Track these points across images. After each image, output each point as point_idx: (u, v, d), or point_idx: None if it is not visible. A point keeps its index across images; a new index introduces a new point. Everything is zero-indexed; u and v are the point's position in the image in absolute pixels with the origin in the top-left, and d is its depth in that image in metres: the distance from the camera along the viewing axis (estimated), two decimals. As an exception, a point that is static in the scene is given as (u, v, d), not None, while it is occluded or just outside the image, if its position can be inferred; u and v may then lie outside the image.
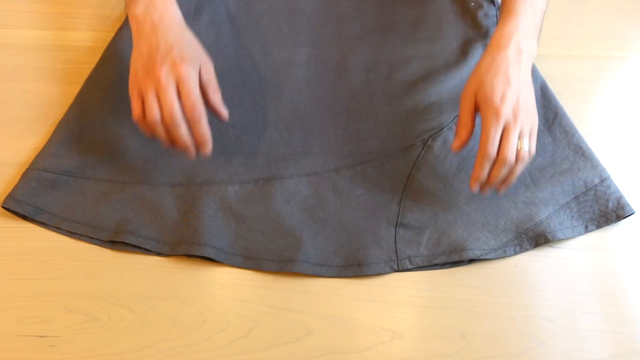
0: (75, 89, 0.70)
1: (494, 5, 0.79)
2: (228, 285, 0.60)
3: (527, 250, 0.62)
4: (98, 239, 0.61)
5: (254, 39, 0.76)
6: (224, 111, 0.61)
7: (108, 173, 0.64)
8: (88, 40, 0.76)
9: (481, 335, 0.57)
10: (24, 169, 0.64)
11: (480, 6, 0.79)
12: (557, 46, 0.79)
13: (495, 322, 0.58)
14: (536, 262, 0.62)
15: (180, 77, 0.57)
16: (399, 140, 0.68)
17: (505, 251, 0.62)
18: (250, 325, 0.57)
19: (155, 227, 0.61)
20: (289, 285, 0.60)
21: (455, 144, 0.60)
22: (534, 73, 0.72)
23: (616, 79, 0.76)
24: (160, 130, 0.58)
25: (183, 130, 0.57)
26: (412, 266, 0.61)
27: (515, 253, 0.62)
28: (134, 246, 0.61)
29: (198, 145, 0.59)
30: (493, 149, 0.57)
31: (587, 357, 0.56)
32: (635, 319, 0.59)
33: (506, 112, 0.57)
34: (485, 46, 0.75)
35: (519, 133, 0.57)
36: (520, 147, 0.57)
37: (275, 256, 0.60)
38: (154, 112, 0.57)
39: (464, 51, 0.75)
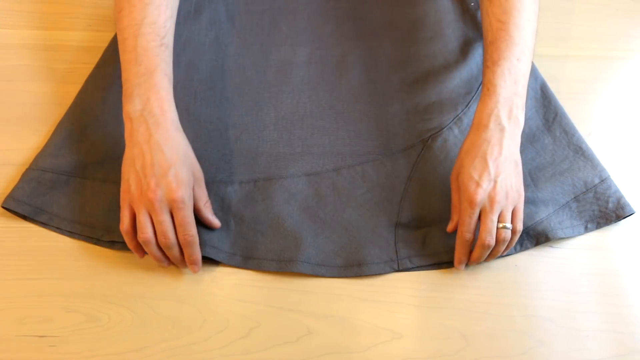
0: (75, 89, 0.70)
1: (494, 5, 0.79)
2: (228, 285, 0.60)
3: (527, 249, 0.62)
4: (98, 239, 0.61)
5: (254, 39, 0.76)
6: (216, 223, 0.61)
7: (108, 173, 0.64)
8: (88, 40, 0.76)
9: (481, 335, 0.57)
10: (24, 169, 0.64)
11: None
12: (557, 46, 0.79)
13: (495, 322, 0.58)
14: (536, 262, 0.62)
15: (175, 204, 0.56)
16: (399, 140, 0.68)
17: (515, 247, 0.62)
18: (250, 325, 0.57)
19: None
20: (289, 285, 0.60)
21: (450, 226, 0.61)
22: (534, 73, 0.72)
23: (616, 79, 0.76)
24: (151, 249, 0.57)
25: (175, 252, 0.57)
26: (412, 265, 0.61)
27: (516, 252, 0.62)
28: None
29: (188, 264, 0.59)
30: (468, 234, 0.58)
31: (587, 357, 0.56)
32: (635, 319, 0.59)
33: (480, 198, 0.57)
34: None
35: (497, 216, 0.57)
36: (504, 228, 0.57)
37: (275, 256, 0.60)
38: (147, 232, 0.56)
39: (464, 51, 0.75)
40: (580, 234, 0.63)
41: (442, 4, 0.80)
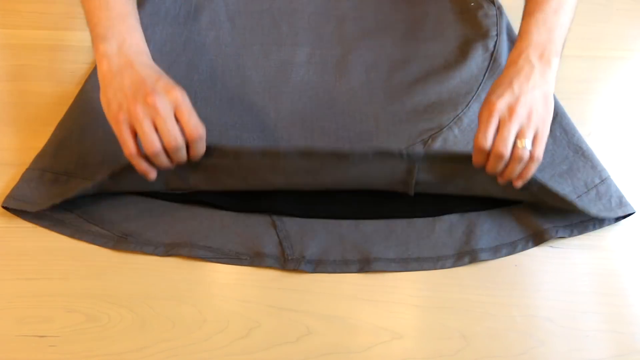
0: (75, 89, 0.70)
1: (494, 5, 0.79)
2: (228, 285, 0.60)
3: (527, 249, 0.62)
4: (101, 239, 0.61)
5: (254, 39, 0.76)
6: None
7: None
8: (88, 40, 0.75)
9: (481, 335, 0.57)
10: (24, 169, 0.64)
11: (480, 6, 0.79)
12: (557, 46, 0.79)
13: (495, 322, 0.58)
14: (536, 262, 0.62)
15: (177, 99, 0.55)
16: (399, 140, 0.68)
17: (515, 248, 0.62)
18: (250, 325, 0.57)
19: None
20: (289, 285, 0.60)
21: (474, 158, 0.59)
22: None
23: (616, 79, 0.76)
24: (161, 161, 0.56)
25: (183, 154, 0.56)
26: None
27: (523, 249, 0.62)
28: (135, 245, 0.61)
29: (192, 159, 0.58)
30: (484, 140, 0.56)
31: (587, 357, 0.56)
32: (635, 319, 0.59)
33: (500, 106, 0.56)
34: (485, 46, 0.75)
35: (517, 131, 0.56)
36: (521, 146, 0.56)
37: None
38: (156, 143, 0.54)
39: (464, 51, 0.75)
40: (580, 233, 0.63)
41: (442, 4, 0.80)
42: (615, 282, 0.61)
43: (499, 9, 0.79)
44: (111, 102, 0.55)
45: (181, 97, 0.55)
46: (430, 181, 0.61)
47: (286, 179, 0.61)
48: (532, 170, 0.58)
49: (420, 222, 0.63)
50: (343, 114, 0.70)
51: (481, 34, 0.76)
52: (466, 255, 0.61)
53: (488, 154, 0.56)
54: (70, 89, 0.70)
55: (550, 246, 0.63)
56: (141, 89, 0.54)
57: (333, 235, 0.62)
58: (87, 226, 0.61)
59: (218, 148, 0.58)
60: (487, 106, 0.57)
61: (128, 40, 0.58)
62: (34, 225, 0.62)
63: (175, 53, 0.73)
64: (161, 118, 0.54)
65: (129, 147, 0.55)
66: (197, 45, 0.74)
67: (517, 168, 0.57)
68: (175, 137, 0.54)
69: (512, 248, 0.62)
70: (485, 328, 0.58)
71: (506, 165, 0.57)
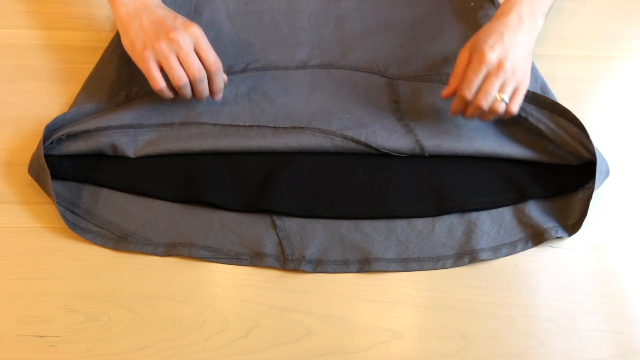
0: (75, 89, 0.70)
1: (494, 5, 0.79)
2: (228, 285, 0.60)
3: (527, 249, 0.62)
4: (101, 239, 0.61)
5: (254, 39, 0.76)
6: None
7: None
8: (88, 40, 0.76)
9: (481, 335, 0.57)
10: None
11: (480, 6, 0.79)
12: (557, 46, 0.79)
13: (495, 322, 0.58)
14: (536, 262, 0.62)
15: (197, 35, 0.60)
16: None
17: (515, 248, 0.62)
18: (250, 325, 0.57)
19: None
20: (289, 285, 0.60)
21: (444, 91, 0.64)
22: (534, 73, 0.72)
23: (616, 79, 0.76)
24: (187, 91, 0.61)
25: (205, 85, 0.62)
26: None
27: (523, 249, 0.62)
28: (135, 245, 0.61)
29: (214, 93, 0.64)
30: (469, 92, 0.60)
31: (587, 357, 0.56)
32: (635, 319, 0.59)
33: (491, 58, 0.59)
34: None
35: (500, 84, 0.60)
36: (499, 99, 0.60)
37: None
38: (183, 75, 0.60)
39: (464, 51, 0.75)
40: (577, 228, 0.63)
41: (442, 4, 0.80)
42: (615, 282, 0.61)
43: None
44: (134, 42, 0.60)
45: (199, 33, 0.61)
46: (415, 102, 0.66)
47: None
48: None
49: (420, 222, 0.63)
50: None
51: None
52: (466, 255, 0.61)
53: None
54: (70, 89, 0.70)
55: (550, 246, 0.63)
56: (162, 26, 0.59)
57: (333, 235, 0.62)
58: (87, 226, 0.61)
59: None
60: (477, 55, 0.60)
61: None
62: (34, 226, 0.62)
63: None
64: (184, 52, 0.59)
65: (158, 81, 0.60)
66: (197, 45, 0.74)
67: (490, 118, 0.63)
68: (199, 69, 0.60)
69: (512, 248, 0.62)
70: (485, 328, 0.58)
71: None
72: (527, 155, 0.64)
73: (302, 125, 0.65)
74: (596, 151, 0.62)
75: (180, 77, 0.60)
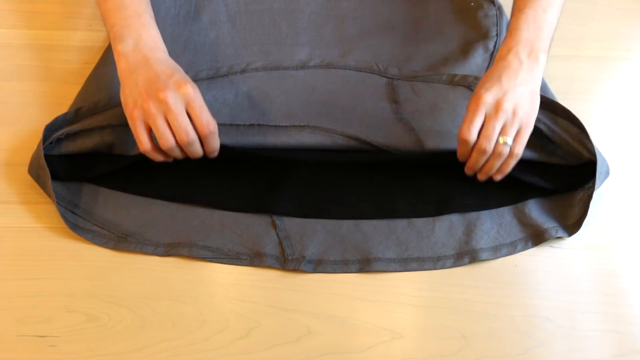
0: (75, 89, 0.70)
1: (494, 5, 0.79)
2: (228, 285, 0.60)
3: (527, 249, 0.62)
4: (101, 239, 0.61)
5: (254, 39, 0.76)
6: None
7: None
8: (88, 40, 0.76)
9: (481, 335, 0.57)
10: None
11: (480, 6, 0.79)
12: (557, 46, 0.78)
13: (495, 322, 0.58)
14: (536, 262, 0.62)
15: (188, 96, 0.57)
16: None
17: (515, 248, 0.62)
18: (250, 325, 0.57)
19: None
20: (289, 285, 0.60)
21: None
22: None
23: (616, 79, 0.76)
24: (176, 153, 0.58)
25: (197, 147, 0.58)
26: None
27: (523, 249, 0.62)
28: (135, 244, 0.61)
29: (208, 154, 0.60)
30: (468, 134, 0.58)
31: (587, 357, 0.56)
32: (635, 319, 0.59)
33: (487, 100, 0.58)
34: (485, 46, 0.75)
35: (501, 126, 0.58)
36: (502, 142, 0.58)
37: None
38: (169, 138, 0.57)
39: (464, 51, 0.75)
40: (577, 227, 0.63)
41: (442, 4, 0.80)
42: (615, 282, 0.61)
43: (499, 9, 0.79)
44: (127, 99, 0.58)
45: (192, 93, 0.57)
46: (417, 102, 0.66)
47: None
48: (511, 166, 0.61)
49: (420, 222, 0.63)
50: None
51: (481, 34, 0.76)
52: (466, 255, 0.61)
53: (472, 148, 0.59)
54: (70, 89, 0.70)
55: (550, 246, 0.63)
56: (154, 85, 0.56)
57: (333, 235, 0.62)
58: (87, 226, 0.61)
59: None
60: (474, 99, 0.59)
61: (144, 37, 0.60)
62: (34, 226, 0.62)
63: (175, 53, 0.73)
64: (172, 114, 0.56)
65: (143, 143, 0.57)
66: (197, 46, 0.74)
67: (497, 163, 0.60)
68: (186, 133, 0.57)
69: (512, 248, 0.62)
70: (485, 328, 0.58)
71: (486, 160, 0.60)
72: (526, 155, 0.64)
73: (302, 124, 0.65)
74: (596, 151, 0.62)
75: (167, 140, 0.57)
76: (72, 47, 0.75)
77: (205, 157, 0.61)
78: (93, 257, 0.60)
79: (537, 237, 0.62)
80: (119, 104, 0.65)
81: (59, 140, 0.62)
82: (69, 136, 0.62)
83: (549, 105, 0.65)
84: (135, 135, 0.58)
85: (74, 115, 0.64)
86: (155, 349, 0.55)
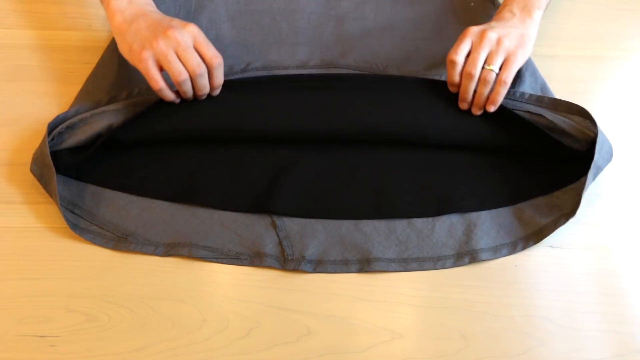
0: (75, 89, 0.70)
1: (494, 5, 0.79)
2: (228, 285, 0.60)
3: (527, 248, 0.62)
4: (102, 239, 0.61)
5: (254, 39, 0.76)
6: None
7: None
8: (88, 40, 0.76)
9: (481, 335, 0.57)
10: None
11: (480, 6, 0.79)
12: (557, 46, 0.79)
13: (495, 322, 0.58)
14: (536, 262, 0.62)
15: (194, 32, 0.61)
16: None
17: (515, 248, 0.62)
18: (250, 325, 0.57)
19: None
20: (289, 285, 0.60)
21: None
22: (534, 73, 0.72)
23: (616, 79, 0.76)
24: (188, 87, 0.61)
25: (205, 80, 0.62)
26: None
27: (523, 249, 0.62)
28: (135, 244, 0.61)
29: (213, 89, 0.63)
30: (454, 55, 0.63)
31: (587, 357, 0.56)
32: (635, 319, 0.59)
33: (473, 31, 0.63)
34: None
35: (486, 54, 0.62)
36: (488, 68, 0.62)
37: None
38: (182, 71, 0.60)
39: (464, 51, 0.75)
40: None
41: (442, 4, 0.80)
42: (615, 282, 0.61)
43: None
44: (132, 45, 0.60)
45: (197, 30, 0.61)
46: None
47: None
48: (501, 94, 0.63)
49: (420, 222, 0.63)
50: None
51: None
52: (466, 255, 0.61)
53: (460, 74, 0.63)
54: (70, 89, 0.70)
55: (550, 246, 0.63)
56: (159, 27, 0.60)
57: (333, 235, 0.62)
58: (87, 226, 0.61)
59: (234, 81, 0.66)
60: (463, 31, 0.64)
61: None
62: (34, 226, 0.62)
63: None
64: (182, 48, 0.59)
65: (157, 81, 0.60)
66: (197, 45, 0.74)
67: (485, 91, 0.63)
68: (198, 64, 0.60)
69: (512, 248, 0.62)
70: (485, 328, 0.58)
71: (476, 90, 0.63)
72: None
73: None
74: (599, 130, 0.63)
75: (181, 72, 0.60)
76: (72, 47, 0.75)
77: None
78: (93, 257, 0.60)
79: (537, 235, 0.62)
80: (118, 102, 0.65)
81: (59, 135, 0.62)
82: (68, 129, 0.62)
83: (550, 105, 0.65)
84: (147, 76, 0.60)
85: (75, 114, 0.64)
86: (155, 349, 0.55)
